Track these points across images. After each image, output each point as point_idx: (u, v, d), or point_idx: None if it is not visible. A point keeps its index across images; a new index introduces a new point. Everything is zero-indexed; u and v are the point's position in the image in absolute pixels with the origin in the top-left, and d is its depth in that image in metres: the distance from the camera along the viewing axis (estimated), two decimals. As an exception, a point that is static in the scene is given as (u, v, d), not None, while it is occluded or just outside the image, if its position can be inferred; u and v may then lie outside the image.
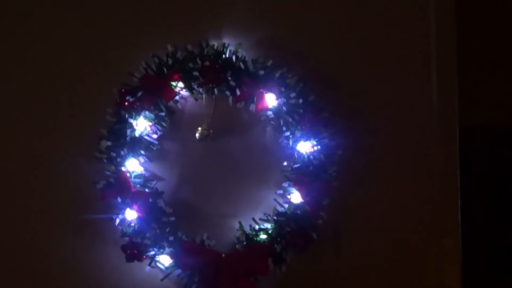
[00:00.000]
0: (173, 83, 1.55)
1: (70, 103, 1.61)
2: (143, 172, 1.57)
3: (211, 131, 1.57)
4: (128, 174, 1.53)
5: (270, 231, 1.54)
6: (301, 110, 1.52)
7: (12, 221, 1.62)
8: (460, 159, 1.61)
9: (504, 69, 2.07)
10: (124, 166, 1.54)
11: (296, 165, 1.54)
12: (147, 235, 1.52)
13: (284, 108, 1.53)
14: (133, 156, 1.55)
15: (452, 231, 1.60)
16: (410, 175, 1.60)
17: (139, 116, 1.55)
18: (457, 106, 1.61)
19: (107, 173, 1.54)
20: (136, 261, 1.53)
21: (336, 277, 1.60)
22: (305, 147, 1.53)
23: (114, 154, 1.53)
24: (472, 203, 1.83)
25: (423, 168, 1.60)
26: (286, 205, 1.55)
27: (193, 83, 1.55)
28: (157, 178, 1.59)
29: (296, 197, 1.53)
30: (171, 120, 1.59)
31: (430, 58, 1.60)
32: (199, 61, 1.53)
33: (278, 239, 1.52)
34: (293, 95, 1.52)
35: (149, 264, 1.54)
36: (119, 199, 1.52)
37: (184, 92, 1.58)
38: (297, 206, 1.53)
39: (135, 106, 1.54)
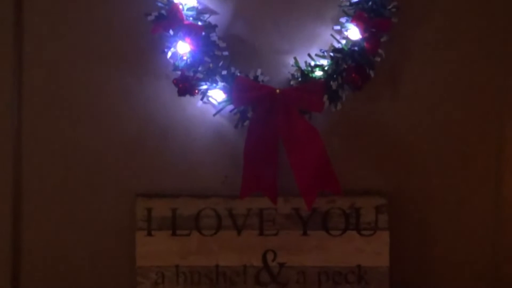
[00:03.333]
0: None
1: None
2: (196, 5, 1.50)
3: (267, -38, 1.51)
4: (180, 6, 1.47)
5: (326, 68, 1.50)
6: None
7: (64, 57, 1.58)
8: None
9: None
10: (176, -3, 1.48)
11: (354, 0, 1.48)
12: (200, 68, 1.48)
13: None
14: (185, -13, 1.49)
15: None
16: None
17: None
18: None
19: (159, 4, 1.48)
20: (188, 96, 1.50)
21: (390, 118, 1.57)
22: (365, -20, 1.47)
23: (166, -15, 1.48)
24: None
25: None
26: (343, 41, 1.49)
27: None
28: (210, 12, 1.53)
29: (353, 33, 1.48)
30: (225, -51, 1.53)
31: None
32: None
33: (334, 75, 1.48)
34: None
35: (201, 99, 1.51)
36: (171, 32, 1.46)
37: None
38: (354, 43, 1.48)
39: None
